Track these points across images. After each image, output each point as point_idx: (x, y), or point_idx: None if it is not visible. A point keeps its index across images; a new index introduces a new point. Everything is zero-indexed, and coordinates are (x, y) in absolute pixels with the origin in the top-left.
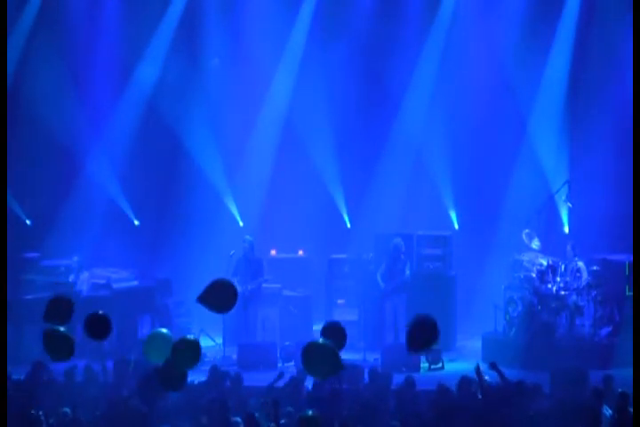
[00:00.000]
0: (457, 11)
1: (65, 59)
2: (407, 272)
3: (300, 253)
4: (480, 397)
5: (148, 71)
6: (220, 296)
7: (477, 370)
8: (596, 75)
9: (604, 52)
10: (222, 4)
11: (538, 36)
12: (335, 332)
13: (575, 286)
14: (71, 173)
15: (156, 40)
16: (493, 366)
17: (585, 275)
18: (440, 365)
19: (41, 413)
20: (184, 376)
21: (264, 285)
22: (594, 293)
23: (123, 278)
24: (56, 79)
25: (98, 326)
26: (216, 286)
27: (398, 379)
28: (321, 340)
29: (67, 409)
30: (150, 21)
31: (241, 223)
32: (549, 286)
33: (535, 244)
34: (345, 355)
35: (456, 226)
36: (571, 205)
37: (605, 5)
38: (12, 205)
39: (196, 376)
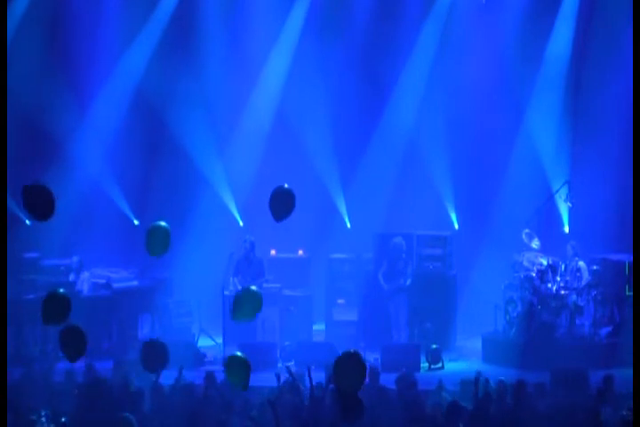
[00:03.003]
0: (455, 3)
1: (57, 53)
2: (408, 281)
3: (300, 253)
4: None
5: (136, 65)
6: None
7: (477, 381)
8: (597, 72)
9: (606, 48)
10: None
11: (537, 31)
12: None
13: (575, 285)
14: (70, 172)
15: (148, 31)
16: (476, 379)
17: (586, 275)
18: (440, 365)
19: (42, 414)
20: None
21: (264, 285)
22: (594, 293)
23: (123, 278)
24: (51, 80)
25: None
26: None
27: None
28: None
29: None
30: (145, 9)
31: (241, 223)
32: (549, 285)
33: (535, 244)
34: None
35: (456, 226)
36: (571, 205)
37: None
38: (12, 205)
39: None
